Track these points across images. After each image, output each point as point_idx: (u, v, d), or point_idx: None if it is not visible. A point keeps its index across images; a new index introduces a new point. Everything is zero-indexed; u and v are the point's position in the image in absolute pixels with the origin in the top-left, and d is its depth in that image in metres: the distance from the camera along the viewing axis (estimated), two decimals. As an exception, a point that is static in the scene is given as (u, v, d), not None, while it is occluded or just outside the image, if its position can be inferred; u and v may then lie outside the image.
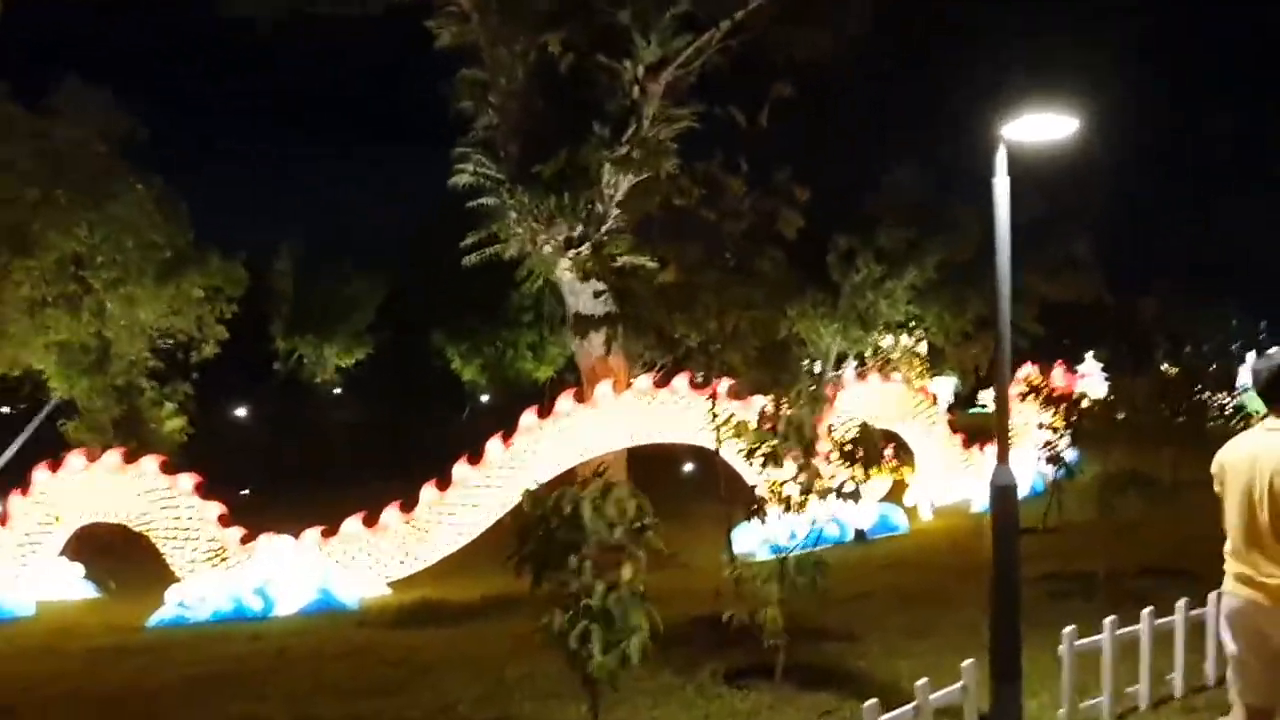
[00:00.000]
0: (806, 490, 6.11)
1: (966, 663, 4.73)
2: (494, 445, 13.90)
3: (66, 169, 17.31)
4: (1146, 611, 5.84)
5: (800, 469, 6.20)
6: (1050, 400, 9.93)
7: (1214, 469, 3.93)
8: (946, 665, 6.24)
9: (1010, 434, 16.62)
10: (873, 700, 4.29)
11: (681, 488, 17.45)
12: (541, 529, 4.66)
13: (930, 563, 12.18)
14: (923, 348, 22.22)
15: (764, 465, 6.34)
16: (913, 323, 19.54)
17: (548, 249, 13.11)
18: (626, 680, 6.45)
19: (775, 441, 6.08)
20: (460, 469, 13.77)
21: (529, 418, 13.98)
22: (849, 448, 6.39)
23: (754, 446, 6.20)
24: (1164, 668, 5.93)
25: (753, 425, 6.29)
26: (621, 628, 4.55)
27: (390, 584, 13.37)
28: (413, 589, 13.24)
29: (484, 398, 43.81)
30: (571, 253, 12.88)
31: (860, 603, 9.14)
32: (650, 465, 17.51)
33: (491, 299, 34.14)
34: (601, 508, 4.54)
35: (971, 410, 30.30)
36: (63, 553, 13.84)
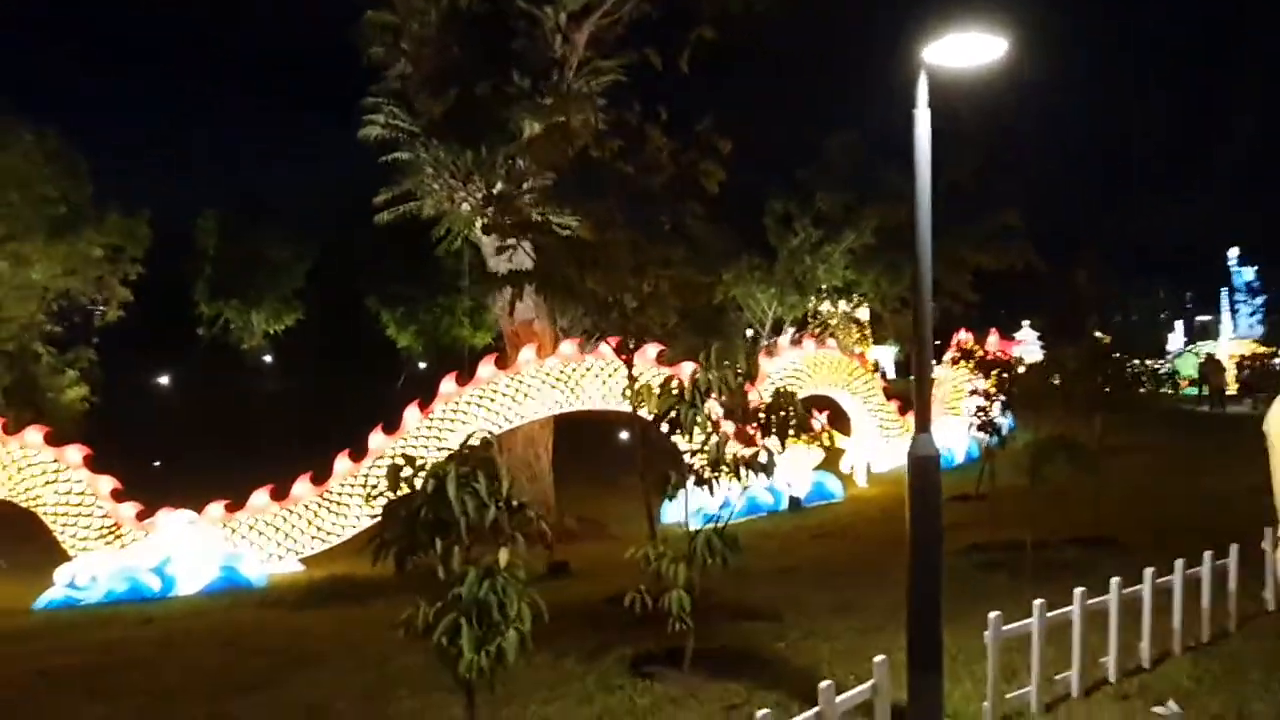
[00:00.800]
0: (715, 461, 5.58)
1: (878, 659, 4.26)
2: (411, 413, 13.21)
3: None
4: (1079, 592, 5.47)
5: (707, 437, 5.67)
6: (983, 366, 9.59)
7: (1265, 427, 3.93)
8: (869, 648, 5.83)
9: (943, 401, 16.33)
10: (764, 711, 3.79)
11: (619, 456, 16.88)
12: (404, 509, 4.05)
13: (862, 533, 11.88)
14: (863, 314, 21.96)
15: (671, 433, 5.79)
16: (850, 289, 19.20)
17: (465, 206, 12.34)
18: (521, 670, 5.93)
19: (681, 406, 5.54)
20: (376, 438, 13.05)
21: (449, 384, 13.31)
22: (764, 416, 5.86)
23: (659, 413, 5.64)
24: (1097, 647, 5.57)
25: (661, 390, 5.71)
26: (499, 620, 3.97)
27: (304, 561, 12.66)
28: (326, 566, 12.56)
29: (421, 365, 42.72)
30: (490, 210, 12.14)
31: (785, 578, 8.73)
32: (587, 433, 16.96)
33: (426, 263, 33.06)
34: (471, 484, 3.94)
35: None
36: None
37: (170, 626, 9.42)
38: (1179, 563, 6.15)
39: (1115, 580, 5.63)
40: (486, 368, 13.57)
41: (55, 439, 12.39)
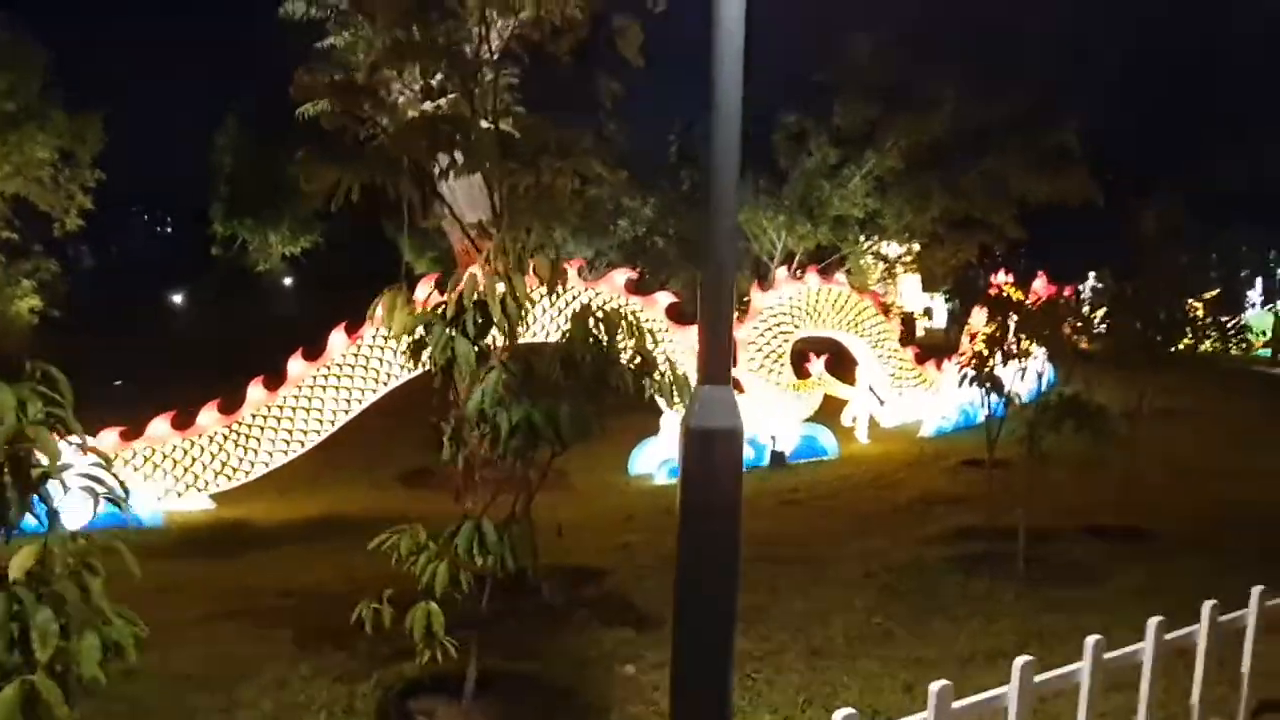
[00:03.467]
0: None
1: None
2: (336, 338, 11.55)
3: None
4: (1090, 643, 3.18)
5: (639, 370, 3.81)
6: (991, 305, 7.47)
7: None
8: (747, 683, 4.03)
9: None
10: None
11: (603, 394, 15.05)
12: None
13: (841, 501, 9.97)
14: (890, 249, 19.62)
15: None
16: (873, 218, 16.90)
17: (402, 99, 10.47)
18: (257, 682, 4.23)
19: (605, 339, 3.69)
20: (295, 364, 11.44)
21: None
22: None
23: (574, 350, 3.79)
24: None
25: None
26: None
27: (216, 499, 11.22)
28: (242, 505, 11.15)
29: (441, 292, 41.19)
30: (429, 105, 10.23)
31: (708, 559, 6.87)
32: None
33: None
34: None
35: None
36: None
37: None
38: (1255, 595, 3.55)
39: (1153, 624, 3.20)
40: (424, 289, 11.80)
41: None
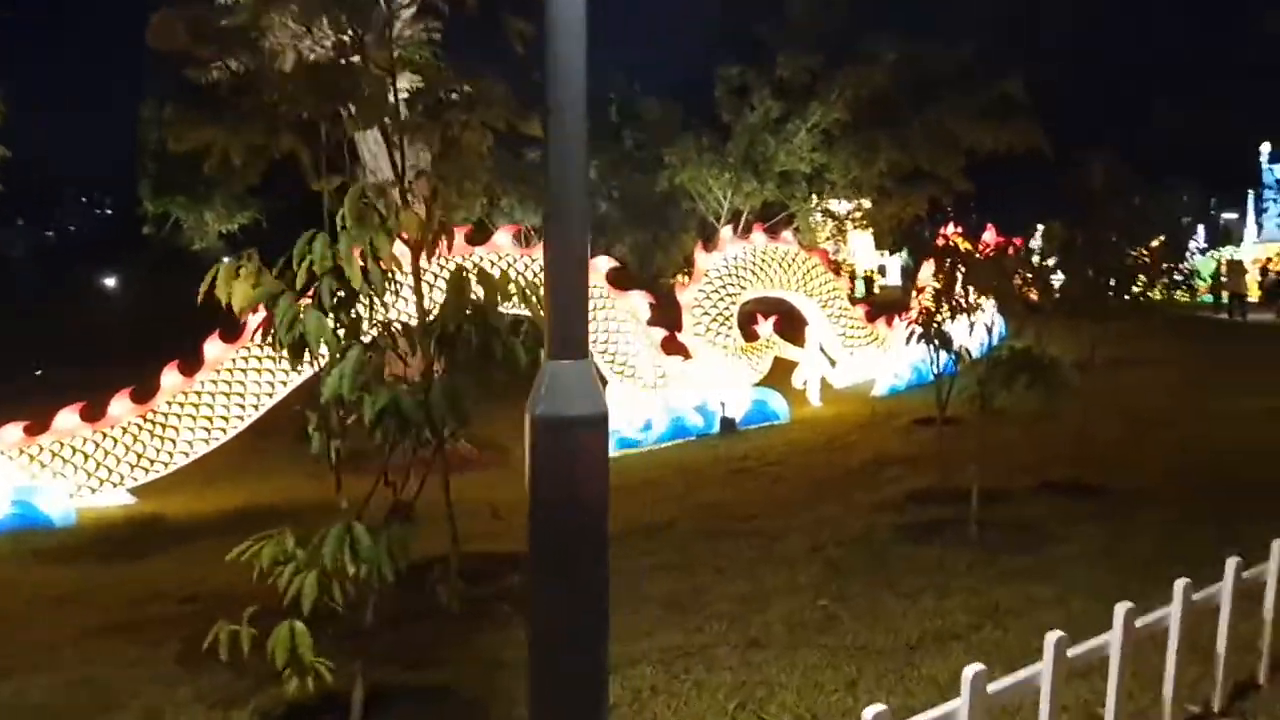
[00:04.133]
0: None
1: None
2: (255, 317, 10.83)
3: None
4: (1051, 642, 2.87)
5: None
6: (935, 254, 7.07)
7: None
8: (665, 689, 3.59)
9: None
10: None
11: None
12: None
13: (793, 466, 9.60)
14: (838, 206, 19.22)
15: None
16: (821, 173, 16.44)
17: (290, 47, 9.64)
18: (121, 716, 3.70)
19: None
20: (213, 347, 10.73)
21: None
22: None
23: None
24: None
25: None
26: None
27: (134, 493, 10.56)
28: (163, 498, 10.51)
29: (388, 268, 40.09)
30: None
31: (648, 541, 6.46)
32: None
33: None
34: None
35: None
36: None
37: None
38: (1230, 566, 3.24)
39: (1121, 609, 2.85)
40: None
41: None
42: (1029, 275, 7.97)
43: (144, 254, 38.42)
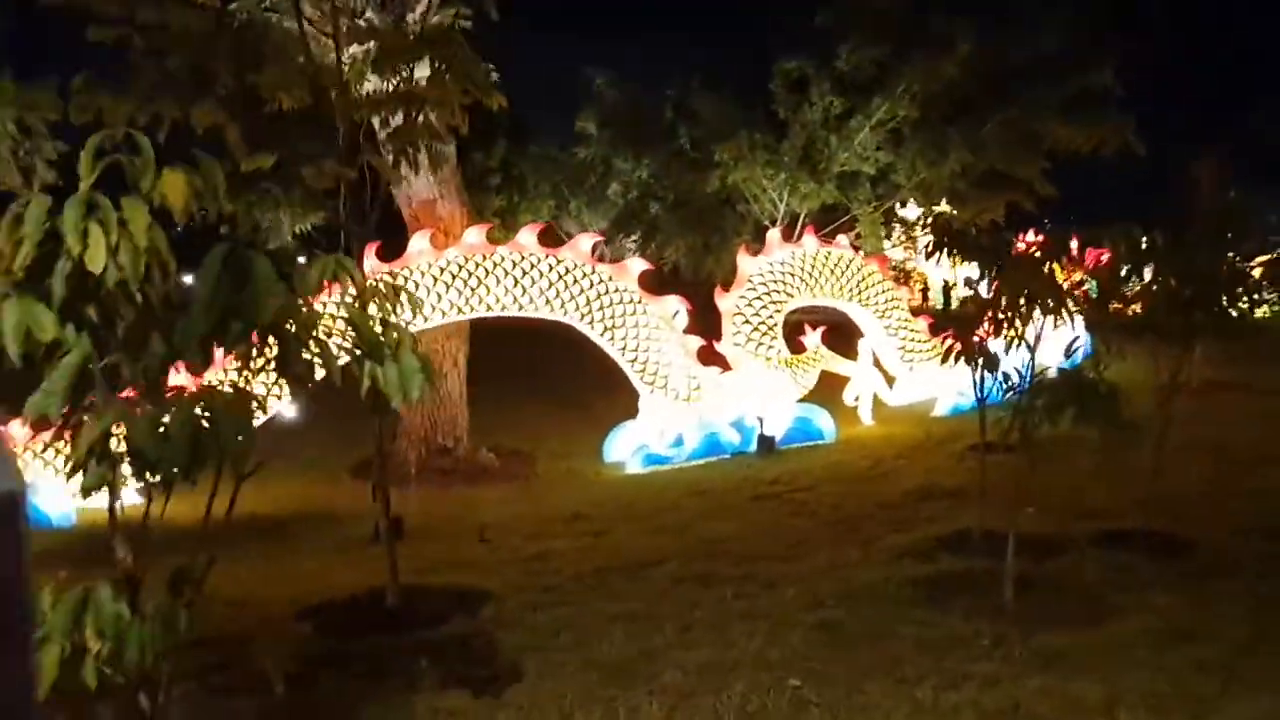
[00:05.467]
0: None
1: None
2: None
3: None
4: None
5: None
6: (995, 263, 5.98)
7: None
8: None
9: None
10: None
11: (586, 371, 13.56)
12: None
13: (824, 495, 8.56)
14: (910, 212, 17.93)
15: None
16: (886, 174, 15.23)
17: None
18: None
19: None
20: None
21: (313, 280, 10.29)
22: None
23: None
24: None
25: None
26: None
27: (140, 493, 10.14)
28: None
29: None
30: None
31: (628, 584, 5.56)
32: (549, 342, 13.74)
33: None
34: None
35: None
36: None
37: None
38: None
39: None
40: (367, 261, 10.55)
41: None
42: (1094, 282, 6.87)
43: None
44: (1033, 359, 5.29)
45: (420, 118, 5.21)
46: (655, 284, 11.64)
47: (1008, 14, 14.51)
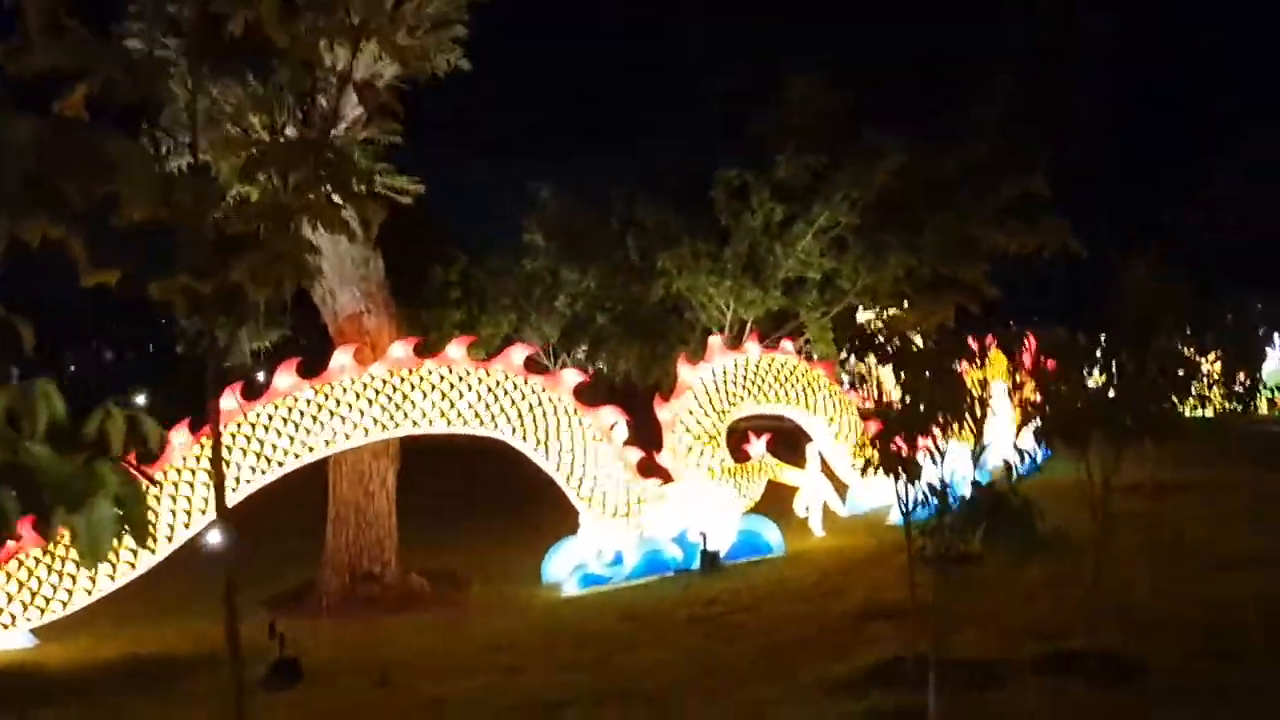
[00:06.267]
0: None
1: None
2: (178, 436, 9.79)
3: None
4: None
5: None
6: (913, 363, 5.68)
7: None
8: None
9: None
10: None
11: (523, 488, 12.96)
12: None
13: (767, 616, 8.01)
14: (861, 316, 17.84)
15: None
16: (832, 279, 15.19)
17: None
18: None
19: None
20: (128, 472, 9.65)
21: (229, 400, 9.82)
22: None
23: None
24: None
25: None
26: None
27: (36, 633, 9.39)
28: (64, 640, 9.34)
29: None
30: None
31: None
32: (492, 457, 13.13)
33: (414, 273, 29.81)
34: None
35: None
36: None
37: None
38: None
39: None
40: (285, 377, 10.11)
41: None
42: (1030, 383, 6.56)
43: (177, 372, 38.62)
44: (941, 469, 4.90)
45: (293, 228, 4.90)
46: (593, 395, 11.26)
47: (939, 122, 14.83)
